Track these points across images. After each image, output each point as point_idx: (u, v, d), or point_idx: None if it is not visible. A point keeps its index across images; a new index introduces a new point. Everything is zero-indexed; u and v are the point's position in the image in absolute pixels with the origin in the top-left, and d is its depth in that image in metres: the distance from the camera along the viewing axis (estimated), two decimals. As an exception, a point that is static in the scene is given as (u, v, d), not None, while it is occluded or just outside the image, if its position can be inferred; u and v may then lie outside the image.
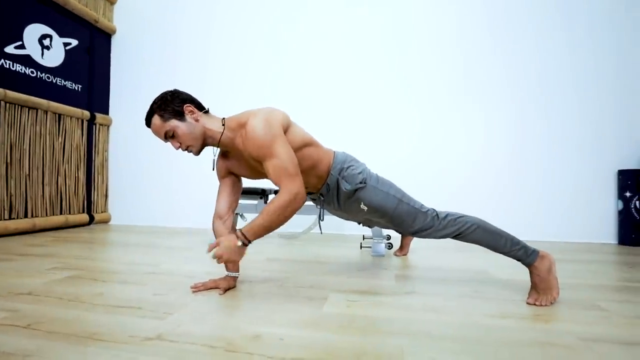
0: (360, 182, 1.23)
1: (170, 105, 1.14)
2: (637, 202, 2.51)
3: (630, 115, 2.65)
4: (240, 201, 2.67)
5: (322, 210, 1.40)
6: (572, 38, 2.77)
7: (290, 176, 1.06)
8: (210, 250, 1.09)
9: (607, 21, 2.72)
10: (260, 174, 1.26)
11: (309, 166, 1.21)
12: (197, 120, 1.16)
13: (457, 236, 1.26)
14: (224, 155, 1.30)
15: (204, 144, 1.19)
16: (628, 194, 2.54)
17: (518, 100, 2.84)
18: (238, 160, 1.27)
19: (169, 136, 1.15)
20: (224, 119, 1.20)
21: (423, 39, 3.02)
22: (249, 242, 1.09)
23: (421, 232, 1.27)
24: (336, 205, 1.31)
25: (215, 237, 1.31)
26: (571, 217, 2.71)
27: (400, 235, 1.98)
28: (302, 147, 1.19)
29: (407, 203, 1.26)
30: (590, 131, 2.72)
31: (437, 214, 1.27)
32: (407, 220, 1.25)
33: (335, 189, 1.26)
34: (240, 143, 1.14)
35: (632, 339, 0.92)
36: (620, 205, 2.58)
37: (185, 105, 1.15)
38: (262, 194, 2.43)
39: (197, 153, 1.19)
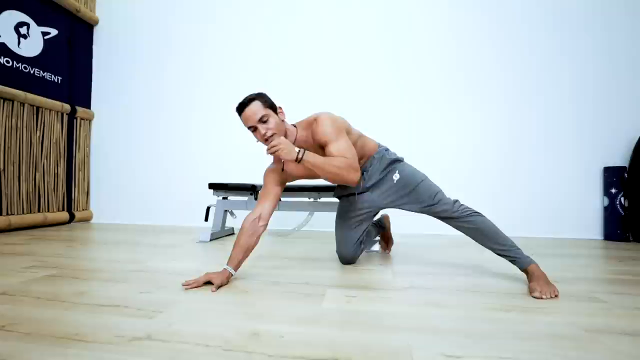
0: (398, 158, 1.56)
1: (270, 100, 1.34)
2: (622, 199, 2.56)
3: (616, 114, 2.71)
4: (230, 197, 2.61)
5: (357, 196, 1.56)
6: (561, 39, 2.82)
7: (351, 156, 1.31)
8: None
9: (594, 23, 2.77)
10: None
11: (361, 145, 1.50)
12: (282, 121, 1.36)
13: (469, 215, 1.38)
14: (278, 163, 1.45)
15: None
16: (613, 191, 2.59)
17: (507, 100, 2.87)
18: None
19: (263, 120, 1.27)
20: (293, 124, 1.44)
21: (418, 39, 3.01)
22: (301, 159, 1.23)
23: (439, 205, 1.42)
24: (376, 177, 1.52)
25: (241, 238, 1.31)
26: (558, 213, 2.75)
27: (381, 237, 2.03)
28: (358, 138, 1.49)
29: (431, 181, 1.50)
30: (577, 129, 2.76)
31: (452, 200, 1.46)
32: (430, 193, 1.44)
33: (379, 159, 1.53)
34: (311, 137, 1.38)
35: (635, 329, 0.91)
36: (606, 201, 2.64)
37: (278, 106, 1.37)
38: (252, 189, 2.37)
39: None
